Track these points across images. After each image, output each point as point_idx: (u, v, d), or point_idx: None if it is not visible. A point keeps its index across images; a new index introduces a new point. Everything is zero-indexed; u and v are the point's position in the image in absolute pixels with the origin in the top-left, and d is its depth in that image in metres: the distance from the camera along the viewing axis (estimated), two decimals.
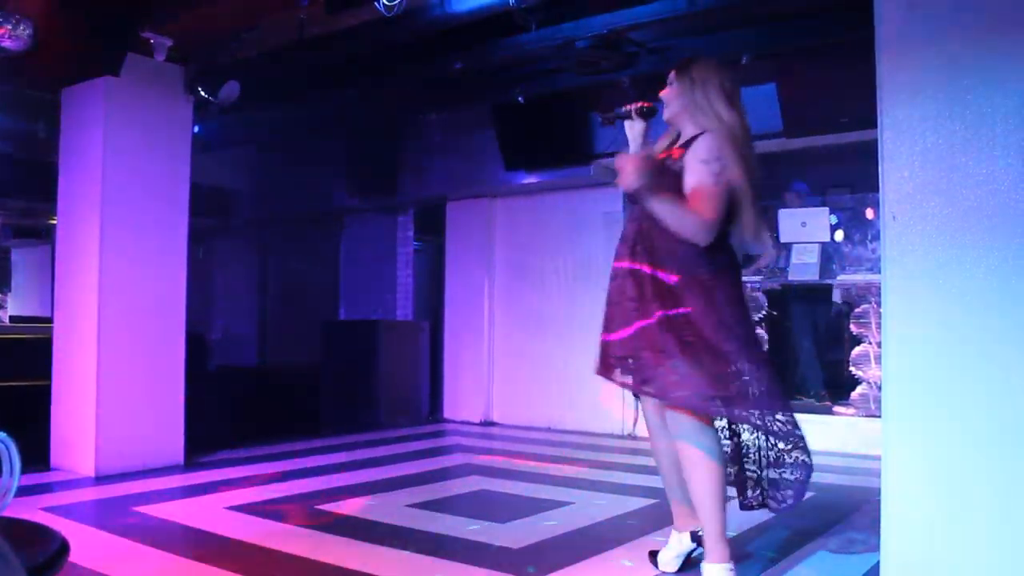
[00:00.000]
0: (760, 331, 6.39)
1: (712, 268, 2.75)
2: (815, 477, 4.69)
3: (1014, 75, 2.50)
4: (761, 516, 3.89)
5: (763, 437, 2.92)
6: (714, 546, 2.74)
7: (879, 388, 5.19)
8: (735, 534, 3.59)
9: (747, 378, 2.71)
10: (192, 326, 5.52)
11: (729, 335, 2.70)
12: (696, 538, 2.99)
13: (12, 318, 9.12)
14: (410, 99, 6.80)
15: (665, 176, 2.75)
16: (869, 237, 6.63)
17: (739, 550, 3.39)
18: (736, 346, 2.70)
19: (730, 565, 2.74)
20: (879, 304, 5.02)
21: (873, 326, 5.84)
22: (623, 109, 3.02)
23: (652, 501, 4.26)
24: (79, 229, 5.04)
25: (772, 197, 6.94)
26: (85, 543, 3.33)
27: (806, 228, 6.16)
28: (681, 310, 2.69)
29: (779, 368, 6.53)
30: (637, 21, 4.80)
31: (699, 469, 2.74)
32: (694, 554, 3.03)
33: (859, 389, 5.97)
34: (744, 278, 3.02)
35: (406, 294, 8.79)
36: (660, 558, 3.09)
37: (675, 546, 3.06)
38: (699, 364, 2.65)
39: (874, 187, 2.77)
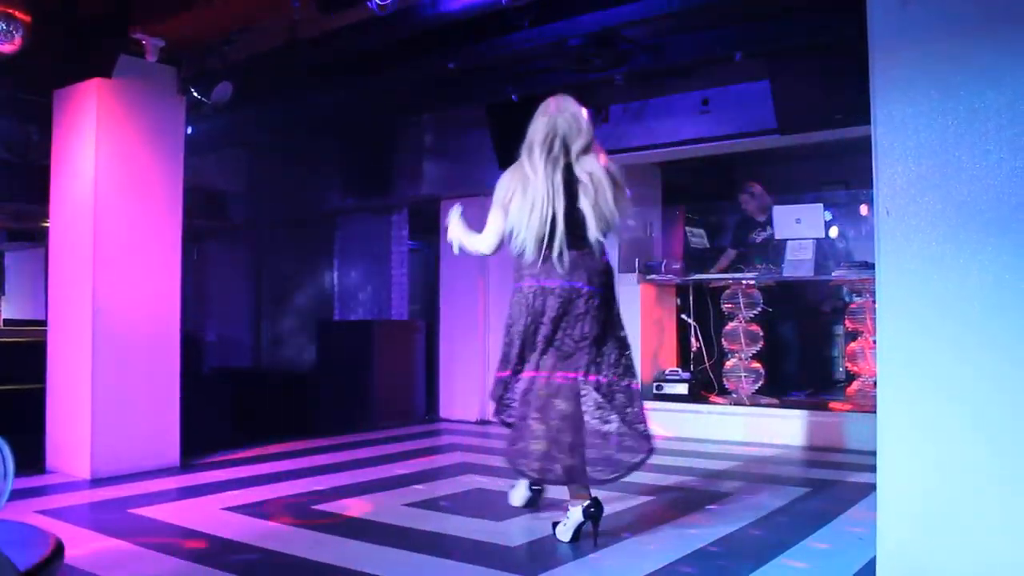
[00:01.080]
0: (755, 328, 6.42)
1: (515, 280, 3.55)
2: (812, 473, 4.71)
3: (1006, 71, 2.51)
4: (756, 513, 3.90)
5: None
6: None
7: (874, 383, 5.22)
8: (733, 529, 3.60)
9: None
10: (187, 328, 5.50)
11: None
12: (587, 513, 3.34)
13: (6, 321, 9.08)
14: (404, 99, 6.78)
15: None
16: (863, 233, 6.66)
17: (736, 545, 3.40)
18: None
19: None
20: (874, 299, 5.04)
21: (868, 321, 5.86)
22: None
23: (648, 499, 4.27)
24: (72, 232, 5.03)
25: (731, 197, 7.01)
26: (81, 545, 3.32)
27: (801, 224, 6.16)
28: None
29: (772, 363, 6.63)
30: (630, 18, 4.80)
31: None
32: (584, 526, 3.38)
33: (854, 384, 5.98)
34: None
35: (401, 294, 8.78)
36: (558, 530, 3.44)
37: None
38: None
39: (868, 183, 2.78)
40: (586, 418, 3.44)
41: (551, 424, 3.40)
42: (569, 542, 3.38)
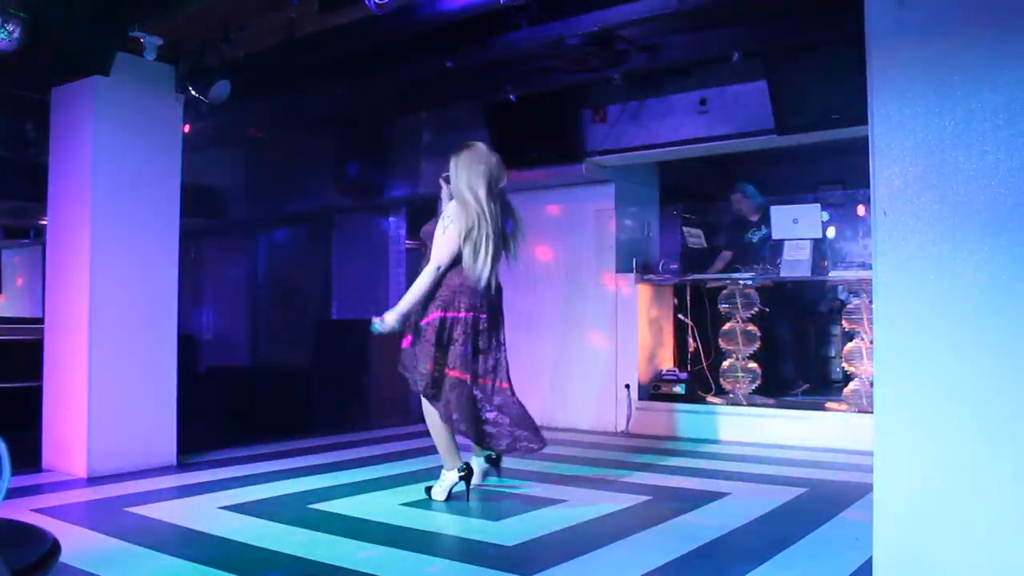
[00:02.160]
0: (752, 328, 6.43)
1: (447, 292, 4.12)
2: (809, 473, 4.73)
3: (1003, 71, 2.51)
4: (753, 512, 3.91)
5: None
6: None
7: (871, 384, 5.22)
8: (729, 529, 3.61)
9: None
10: (184, 326, 5.49)
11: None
12: (491, 460, 4.40)
13: (2, 319, 9.07)
14: (402, 98, 6.78)
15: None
16: (861, 233, 6.66)
17: (733, 545, 3.41)
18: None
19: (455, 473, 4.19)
20: (871, 300, 5.05)
21: (865, 322, 5.86)
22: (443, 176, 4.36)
23: (646, 498, 4.27)
24: (70, 229, 5.02)
25: (728, 197, 7.03)
26: (77, 544, 3.32)
27: (798, 225, 6.16)
28: (423, 321, 4.23)
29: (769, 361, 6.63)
30: (627, 19, 4.80)
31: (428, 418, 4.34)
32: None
33: (851, 385, 5.99)
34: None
35: (399, 293, 8.76)
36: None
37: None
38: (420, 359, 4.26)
39: (865, 183, 2.78)
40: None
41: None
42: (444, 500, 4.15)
